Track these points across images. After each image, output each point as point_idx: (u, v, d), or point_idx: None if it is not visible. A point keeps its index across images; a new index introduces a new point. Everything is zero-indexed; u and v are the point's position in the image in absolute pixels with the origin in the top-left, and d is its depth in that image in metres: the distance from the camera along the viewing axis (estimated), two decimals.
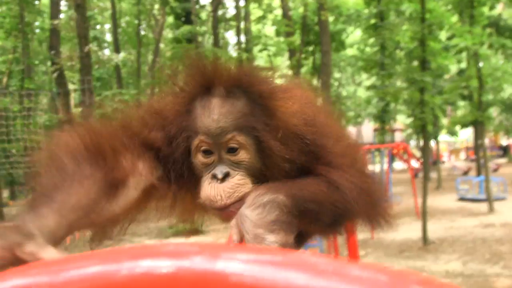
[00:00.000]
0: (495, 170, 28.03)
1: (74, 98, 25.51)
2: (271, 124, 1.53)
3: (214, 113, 1.53)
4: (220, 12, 23.16)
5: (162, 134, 1.61)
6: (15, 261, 1.02)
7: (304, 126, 1.57)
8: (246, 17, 21.70)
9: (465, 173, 28.46)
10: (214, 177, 1.54)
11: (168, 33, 28.71)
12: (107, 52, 24.28)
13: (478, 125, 19.52)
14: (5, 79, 22.68)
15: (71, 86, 22.64)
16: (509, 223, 13.45)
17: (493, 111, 33.09)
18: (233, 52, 25.43)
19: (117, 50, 22.85)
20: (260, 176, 1.58)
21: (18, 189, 28.75)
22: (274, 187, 1.47)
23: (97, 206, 1.40)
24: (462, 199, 18.48)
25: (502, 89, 25.80)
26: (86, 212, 1.35)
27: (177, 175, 1.63)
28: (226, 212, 1.55)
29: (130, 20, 26.64)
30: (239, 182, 1.55)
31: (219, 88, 1.56)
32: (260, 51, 26.02)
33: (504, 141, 45.62)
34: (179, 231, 15.35)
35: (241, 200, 1.53)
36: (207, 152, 1.56)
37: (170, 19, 26.99)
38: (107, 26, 27.89)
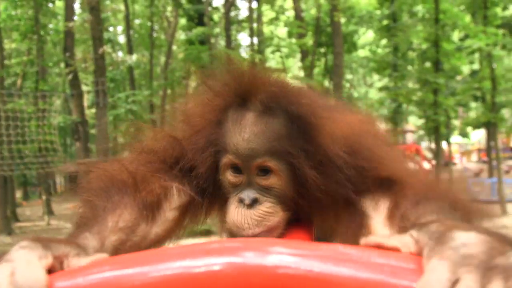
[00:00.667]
0: (507, 171, 27.87)
1: (87, 99, 25.71)
2: (309, 150, 1.38)
3: (246, 132, 1.40)
4: (232, 14, 23.25)
5: (189, 145, 1.51)
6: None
7: (349, 155, 1.39)
8: (259, 19, 21.76)
9: (477, 174, 28.31)
10: (241, 201, 1.42)
11: (180, 35, 28.83)
12: (120, 54, 24.42)
13: (491, 126, 19.42)
14: (19, 81, 22.90)
15: (84, 88, 22.83)
16: None
17: (505, 113, 32.86)
18: (245, 53, 25.53)
19: (130, 52, 23.00)
20: (292, 204, 1.45)
21: (31, 189, 29.03)
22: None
23: (137, 228, 1.37)
24: None
25: None
26: (127, 234, 1.33)
27: (204, 190, 1.52)
28: None
29: (143, 22, 26.79)
30: (268, 210, 1.42)
31: (255, 102, 1.41)
32: (273, 52, 26.02)
33: None
34: (192, 231, 15.41)
35: (270, 230, 1.42)
36: (236, 171, 1.45)
37: (183, 21, 27.14)
38: (120, 28, 28.08)
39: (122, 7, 24.66)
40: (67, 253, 0.98)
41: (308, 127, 1.37)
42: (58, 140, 17.78)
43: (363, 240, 0.94)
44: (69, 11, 17.44)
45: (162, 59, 28.61)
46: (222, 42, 21.90)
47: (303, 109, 1.37)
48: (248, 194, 1.41)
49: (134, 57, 19.49)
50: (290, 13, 26.47)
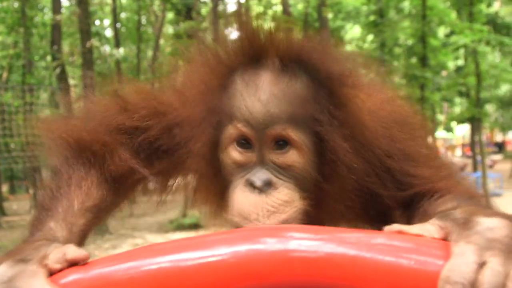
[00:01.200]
0: (491, 166, 28.26)
1: (74, 93, 25.52)
2: (340, 118, 1.12)
3: (263, 93, 1.11)
4: (220, 8, 23.23)
5: (159, 122, 1.33)
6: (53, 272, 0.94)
7: (387, 129, 1.21)
8: (246, 13, 21.79)
9: (461, 169, 28.61)
10: (251, 185, 1.13)
11: (167, 29, 28.70)
12: (107, 48, 24.26)
13: (475, 121, 19.68)
14: (5, 74, 22.68)
15: (71, 81, 22.66)
16: None
17: (489, 108, 33.33)
18: None
19: (117, 45, 22.86)
20: (314, 191, 1.17)
21: (18, 183, 28.82)
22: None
23: (104, 205, 1.29)
24: None
25: (498, 86, 26.03)
26: (94, 213, 1.25)
27: (197, 171, 1.32)
28: None
29: (130, 15, 26.63)
30: (284, 197, 1.13)
31: (273, 60, 1.15)
32: None
33: (499, 137, 45.89)
34: (180, 225, 15.45)
35: (285, 223, 1.12)
36: (244, 146, 1.15)
37: (170, 15, 27.00)
38: (106, 21, 27.89)
39: (109, 0, 24.51)
40: (44, 253, 0.95)
41: (339, 90, 1.13)
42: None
43: (386, 228, 0.92)
44: (56, 4, 17.27)
45: (150, 53, 28.46)
46: (209, 37, 21.89)
47: (332, 69, 1.14)
48: (259, 176, 1.12)
49: (122, 50, 19.40)
50: (278, 8, 26.49)
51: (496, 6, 24.73)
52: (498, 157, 37.58)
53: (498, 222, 0.82)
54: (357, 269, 0.84)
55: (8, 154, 16.61)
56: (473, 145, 24.31)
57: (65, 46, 23.16)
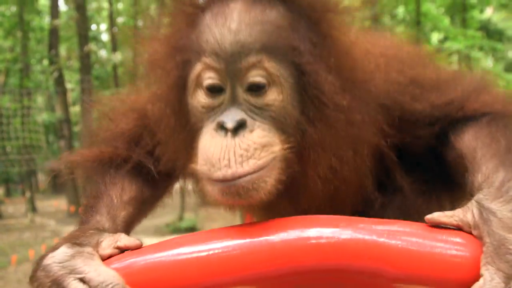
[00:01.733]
0: None
1: (71, 97, 25.62)
2: (324, 48, 0.98)
3: (233, 21, 0.98)
4: None
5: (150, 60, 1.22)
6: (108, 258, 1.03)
7: (389, 67, 1.10)
8: None
9: None
10: (221, 127, 0.99)
11: None
12: (103, 52, 24.36)
13: None
14: (2, 78, 22.73)
15: (68, 86, 22.76)
16: None
17: None
18: None
19: (114, 49, 22.96)
20: (295, 133, 1.01)
21: (13, 186, 28.76)
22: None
23: (141, 196, 1.36)
24: None
25: None
26: (134, 205, 1.32)
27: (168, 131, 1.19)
28: (233, 187, 0.96)
29: (126, 20, 26.71)
30: (261, 139, 0.97)
31: None
32: None
33: None
34: (176, 229, 15.52)
35: (261, 170, 0.97)
36: (213, 89, 1.02)
37: (167, 19, 27.07)
38: (103, 26, 27.98)
39: (105, 4, 24.57)
40: (97, 240, 1.04)
41: (320, 17, 0.99)
42: (43, 137, 17.75)
43: (427, 217, 0.93)
44: (54, 9, 17.39)
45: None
46: None
47: None
48: (232, 117, 0.97)
49: (118, 55, 19.51)
50: None
51: (488, 13, 24.97)
52: None
53: None
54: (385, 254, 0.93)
55: (5, 157, 16.66)
56: None
57: (62, 51, 23.26)
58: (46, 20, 20.09)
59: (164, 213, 19.21)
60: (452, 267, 0.90)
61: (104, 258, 1.01)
